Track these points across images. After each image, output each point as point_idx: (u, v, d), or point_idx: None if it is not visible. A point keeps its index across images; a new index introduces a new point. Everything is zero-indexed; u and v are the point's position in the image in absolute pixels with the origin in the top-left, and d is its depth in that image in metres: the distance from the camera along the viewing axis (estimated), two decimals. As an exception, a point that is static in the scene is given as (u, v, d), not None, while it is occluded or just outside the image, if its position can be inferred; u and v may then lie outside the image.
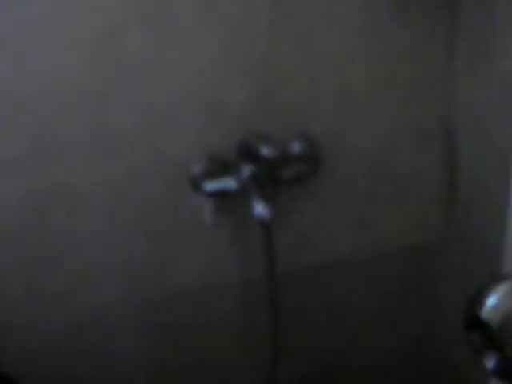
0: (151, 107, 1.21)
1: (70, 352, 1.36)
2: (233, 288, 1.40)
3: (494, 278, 0.50)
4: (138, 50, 1.17)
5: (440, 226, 1.45)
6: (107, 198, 1.26)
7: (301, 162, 1.28)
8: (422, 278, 1.50)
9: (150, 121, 1.22)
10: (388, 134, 1.33)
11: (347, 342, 1.53)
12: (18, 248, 1.25)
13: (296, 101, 1.27)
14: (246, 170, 1.24)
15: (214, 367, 1.47)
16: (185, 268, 1.35)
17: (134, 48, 1.17)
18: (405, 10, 1.26)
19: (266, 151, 1.23)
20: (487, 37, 1.19)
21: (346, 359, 1.55)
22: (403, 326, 1.55)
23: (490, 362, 0.44)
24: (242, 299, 1.41)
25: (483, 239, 1.31)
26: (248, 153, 1.24)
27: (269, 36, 1.21)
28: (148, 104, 1.21)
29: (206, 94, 1.23)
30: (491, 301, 0.45)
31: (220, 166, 1.26)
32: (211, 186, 1.25)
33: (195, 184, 1.26)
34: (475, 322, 0.45)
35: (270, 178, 1.25)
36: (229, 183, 1.25)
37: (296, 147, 1.28)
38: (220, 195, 1.27)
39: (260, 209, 1.20)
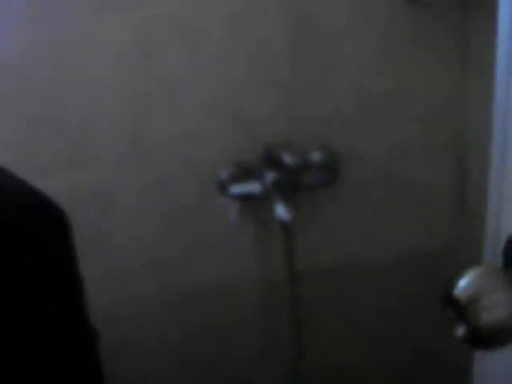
0: (185, 117, 1.31)
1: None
2: (254, 285, 1.46)
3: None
4: (175, 65, 1.28)
5: (451, 233, 1.49)
6: (140, 198, 1.35)
7: (321, 169, 1.37)
8: (434, 283, 1.53)
9: (183, 129, 1.32)
10: (402, 145, 1.40)
11: (360, 343, 1.57)
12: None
13: (317, 113, 1.35)
14: (270, 175, 1.34)
15: (236, 363, 1.53)
16: (209, 266, 1.42)
17: (171, 64, 1.27)
18: (422, 31, 1.33)
19: (288, 159, 1.33)
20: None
21: (358, 359, 1.58)
22: (416, 330, 1.57)
23: (459, 332, 0.54)
24: (263, 296, 1.48)
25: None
26: (272, 160, 1.34)
27: (293, 52, 1.30)
28: (182, 114, 1.31)
29: (235, 107, 1.32)
30: (462, 282, 0.56)
31: (246, 172, 1.35)
32: (237, 189, 1.35)
33: (222, 187, 1.35)
34: (449, 299, 0.55)
35: (292, 183, 1.34)
36: (253, 187, 1.35)
37: (316, 156, 1.37)
38: (245, 198, 1.36)
39: (281, 211, 1.29)
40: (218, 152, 1.35)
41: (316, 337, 1.52)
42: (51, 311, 0.72)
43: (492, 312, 0.55)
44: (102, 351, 1.48)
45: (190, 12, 1.25)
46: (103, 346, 1.42)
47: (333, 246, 1.46)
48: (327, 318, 1.53)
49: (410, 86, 1.36)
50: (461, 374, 1.52)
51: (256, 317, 1.50)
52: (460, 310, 0.55)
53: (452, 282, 0.55)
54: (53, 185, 1.30)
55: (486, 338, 0.55)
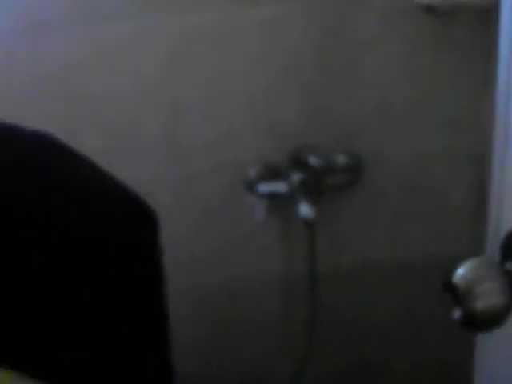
0: (217, 120, 1.39)
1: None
2: (275, 284, 1.51)
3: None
4: (210, 72, 1.36)
5: (472, 239, 1.47)
6: (171, 195, 1.41)
7: (344, 172, 1.43)
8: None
9: (215, 131, 1.39)
10: (423, 151, 1.44)
11: (374, 344, 1.58)
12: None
13: (342, 118, 1.41)
14: (296, 176, 1.40)
15: (249, 360, 1.55)
16: (236, 263, 1.47)
17: (206, 70, 1.36)
18: (445, 39, 1.38)
19: (313, 161, 1.40)
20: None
21: (371, 361, 1.60)
22: (429, 334, 1.57)
23: (455, 315, 0.61)
24: (282, 295, 1.52)
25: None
26: (298, 161, 1.41)
27: (320, 60, 1.37)
28: (215, 118, 1.39)
29: (264, 111, 1.39)
30: (460, 271, 0.63)
31: (273, 172, 1.41)
32: (264, 188, 1.41)
33: (250, 186, 1.42)
34: (449, 285, 0.62)
35: (316, 184, 1.41)
36: (280, 187, 1.41)
37: (341, 159, 1.43)
38: (271, 197, 1.43)
39: (306, 210, 1.36)
40: (247, 153, 1.41)
41: (330, 337, 1.53)
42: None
43: (486, 299, 0.62)
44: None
45: (226, 23, 1.34)
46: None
47: (353, 248, 1.51)
48: (343, 319, 1.55)
49: (434, 94, 1.41)
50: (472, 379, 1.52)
51: (273, 315, 1.53)
52: (458, 295, 0.62)
53: (454, 270, 0.62)
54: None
55: (479, 322, 0.62)
